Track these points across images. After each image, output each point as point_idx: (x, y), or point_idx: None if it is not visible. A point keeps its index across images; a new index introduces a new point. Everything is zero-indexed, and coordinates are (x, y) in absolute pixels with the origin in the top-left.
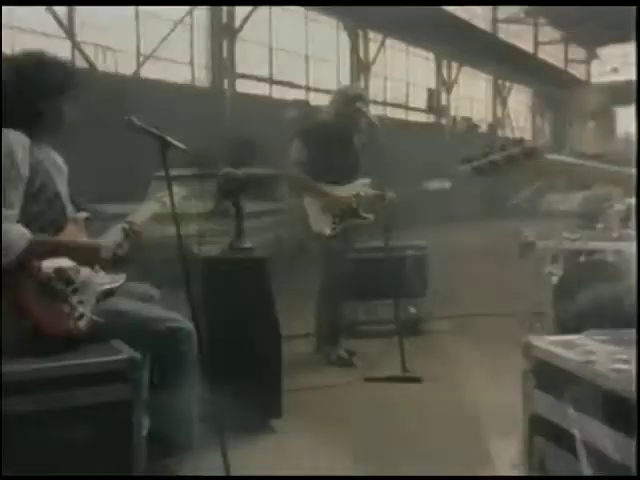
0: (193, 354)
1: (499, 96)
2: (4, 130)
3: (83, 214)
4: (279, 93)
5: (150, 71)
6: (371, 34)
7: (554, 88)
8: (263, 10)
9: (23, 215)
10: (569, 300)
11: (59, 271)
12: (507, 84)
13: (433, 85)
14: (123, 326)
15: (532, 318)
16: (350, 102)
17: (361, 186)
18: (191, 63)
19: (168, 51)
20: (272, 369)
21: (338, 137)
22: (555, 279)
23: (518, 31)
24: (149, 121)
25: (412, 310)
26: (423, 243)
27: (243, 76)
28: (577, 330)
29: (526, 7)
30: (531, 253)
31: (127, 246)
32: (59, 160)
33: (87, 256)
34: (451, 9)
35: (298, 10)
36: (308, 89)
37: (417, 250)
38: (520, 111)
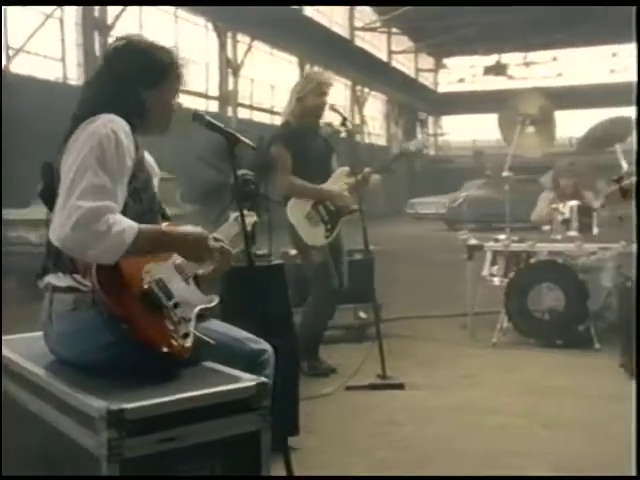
0: (272, 377)
1: (356, 102)
2: (107, 115)
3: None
4: None
5: (21, 66)
6: (239, 36)
7: (406, 96)
8: (134, 7)
9: (128, 213)
10: (521, 300)
11: (159, 282)
12: (365, 90)
13: None
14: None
15: (474, 319)
16: (321, 87)
17: (342, 177)
18: (62, 59)
19: (39, 46)
20: (290, 382)
21: (313, 135)
22: (496, 280)
23: (373, 40)
24: (22, 121)
25: (362, 315)
26: (370, 247)
27: None
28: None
29: (382, 17)
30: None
31: (214, 265)
32: (152, 160)
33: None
34: (312, 15)
35: (168, 9)
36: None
37: (365, 253)
38: (376, 117)
